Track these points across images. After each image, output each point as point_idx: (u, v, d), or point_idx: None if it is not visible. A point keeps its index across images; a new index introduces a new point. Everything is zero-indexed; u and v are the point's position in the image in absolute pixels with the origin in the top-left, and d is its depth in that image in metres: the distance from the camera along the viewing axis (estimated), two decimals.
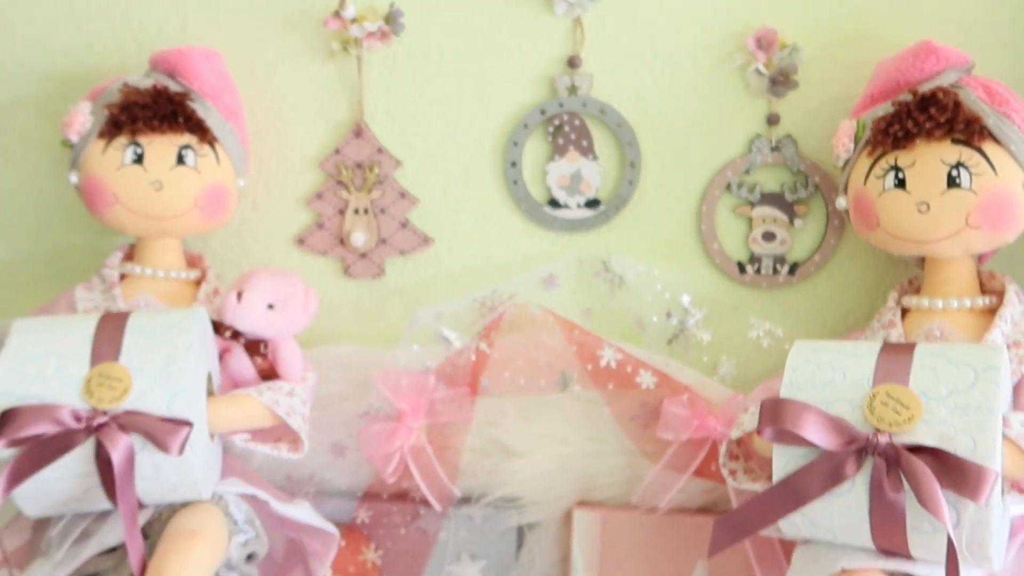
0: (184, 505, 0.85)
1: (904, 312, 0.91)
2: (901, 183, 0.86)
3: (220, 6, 1.03)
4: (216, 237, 1.07)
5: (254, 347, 0.93)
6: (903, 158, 0.86)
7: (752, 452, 0.90)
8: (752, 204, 1.03)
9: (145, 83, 0.95)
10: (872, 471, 0.74)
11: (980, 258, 0.92)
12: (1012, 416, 0.77)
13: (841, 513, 0.75)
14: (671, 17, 1.00)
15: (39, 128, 1.08)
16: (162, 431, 0.80)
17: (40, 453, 0.80)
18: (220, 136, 0.96)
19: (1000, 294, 0.88)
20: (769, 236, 1.02)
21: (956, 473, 0.71)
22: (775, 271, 1.02)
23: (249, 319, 0.91)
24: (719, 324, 1.04)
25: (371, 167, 1.04)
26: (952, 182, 0.85)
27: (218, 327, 0.92)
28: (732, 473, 0.90)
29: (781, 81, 1.00)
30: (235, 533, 0.87)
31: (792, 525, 0.78)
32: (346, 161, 1.05)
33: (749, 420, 0.86)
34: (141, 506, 0.84)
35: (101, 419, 0.80)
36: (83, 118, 0.95)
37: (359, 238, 1.04)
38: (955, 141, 0.85)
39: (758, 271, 1.03)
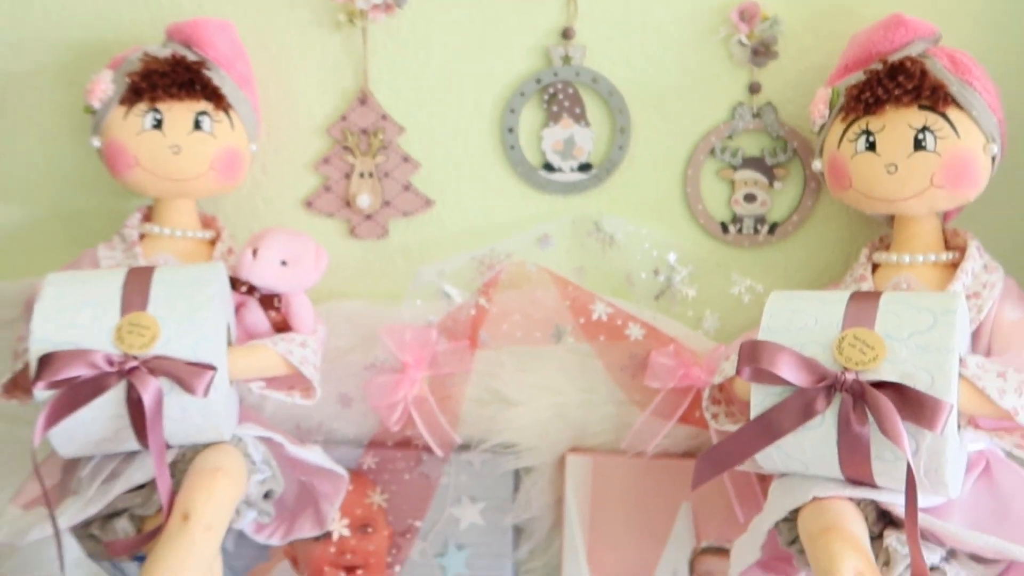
0: (206, 446, 0.91)
1: (875, 267, 0.97)
2: (872, 146, 0.92)
3: None
4: (228, 199, 1.10)
5: (268, 301, 0.99)
6: (874, 123, 0.92)
7: (732, 397, 0.97)
8: (734, 168, 1.07)
9: (163, 53, 0.99)
10: (840, 406, 0.80)
11: (945, 217, 0.97)
12: (969, 358, 0.84)
13: (812, 445, 0.82)
14: None
15: (58, 96, 1.11)
16: (188, 374, 0.86)
17: (76, 395, 0.85)
18: (234, 103, 1.00)
19: (963, 250, 0.94)
20: (750, 198, 1.07)
21: (915, 406, 0.78)
22: (756, 231, 1.07)
23: (264, 275, 0.96)
24: (703, 280, 1.07)
25: (375, 133, 1.08)
26: (918, 145, 0.90)
27: (234, 283, 0.97)
28: (715, 416, 0.97)
29: (762, 52, 1.04)
30: (253, 472, 0.93)
31: (768, 458, 0.85)
32: (352, 127, 1.08)
33: (730, 367, 0.93)
34: (167, 447, 0.89)
35: (132, 363, 0.85)
36: (105, 86, 0.99)
37: (364, 200, 1.08)
38: (921, 107, 0.90)
39: (740, 231, 1.08)
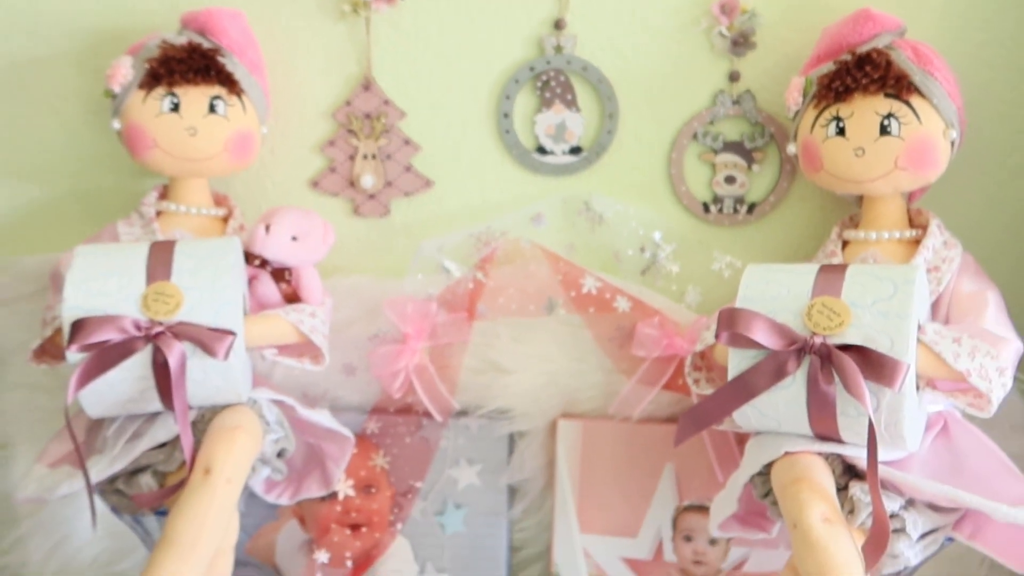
0: (224, 407, 0.97)
1: (844, 243, 1.03)
2: (841, 131, 0.98)
3: None
4: (238, 180, 1.15)
5: (279, 274, 1.04)
6: (843, 110, 0.98)
7: (712, 363, 1.03)
8: (715, 151, 1.13)
9: (180, 40, 1.05)
10: (809, 367, 0.87)
11: (910, 197, 1.04)
12: (927, 325, 0.91)
13: (784, 404, 0.89)
14: None
15: (75, 81, 1.15)
16: (210, 338, 0.92)
17: (105, 358, 0.91)
18: (246, 88, 1.06)
19: (925, 228, 1.01)
20: (730, 180, 1.13)
21: (876, 366, 0.84)
22: (735, 210, 1.13)
23: (276, 249, 1.02)
24: (686, 257, 1.12)
25: (378, 117, 1.13)
26: (884, 130, 0.97)
27: (248, 256, 1.03)
28: (696, 382, 1.03)
29: (741, 43, 1.10)
30: (268, 432, 1.00)
31: (744, 416, 0.92)
32: (356, 112, 1.13)
33: (710, 335, 0.99)
34: (188, 408, 0.96)
35: (158, 328, 0.92)
36: (125, 71, 1.04)
37: (368, 181, 1.14)
38: (887, 95, 0.96)
39: (720, 210, 1.13)
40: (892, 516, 0.89)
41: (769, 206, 1.13)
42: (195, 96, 1.04)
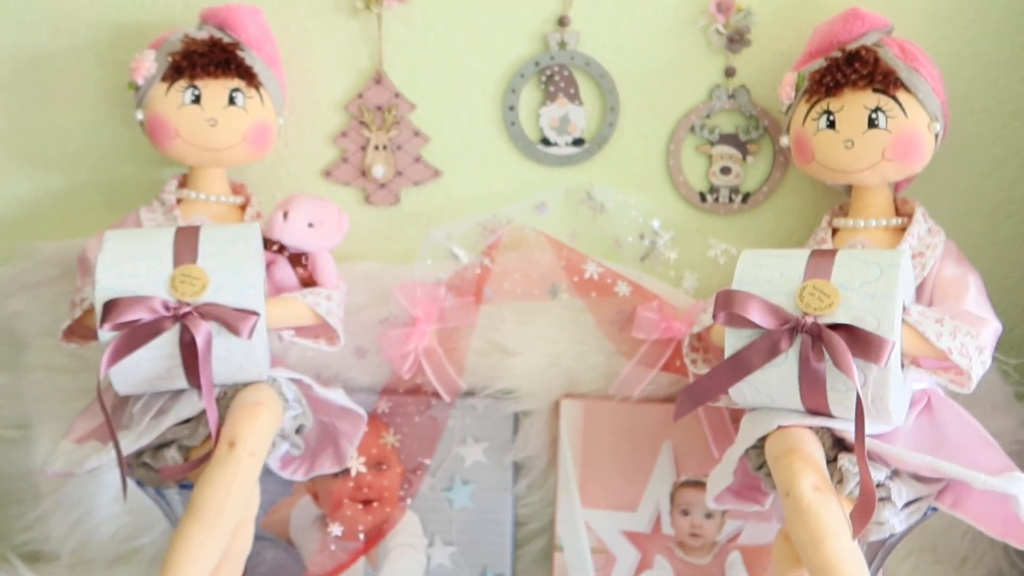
0: (246, 385, 1.02)
1: (834, 231, 1.08)
2: (832, 124, 1.03)
3: None
4: (254, 170, 1.19)
5: (296, 259, 1.08)
6: (833, 104, 1.02)
7: (709, 345, 1.07)
8: (712, 143, 1.17)
9: (201, 35, 1.09)
10: (801, 345, 0.92)
11: (897, 187, 1.09)
12: (912, 307, 0.97)
13: (777, 380, 0.94)
14: None
15: (95, 73, 1.19)
16: (235, 318, 0.96)
17: (135, 336, 0.96)
18: (264, 81, 1.10)
19: (910, 216, 1.05)
20: (726, 170, 1.18)
21: (864, 344, 0.90)
22: (731, 200, 1.18)
23: (293, 235, 1.06)
24: (684, 244, 1.16)
25: (389, 110, 1.18)
26: (872, 123, 1.01)
27: (266, 242, 1.07)
28: (693, 362, 1.07)
29: (737, 40, 1.14)
30: (287, 408, 1.04)
31: (740, 392, 0.97)
32: (367, 104, 1.17)
33: (707, 318, 1.03)
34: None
35: (185, 309, 0.96)
36: (148, 64, 1.08)
37: (379, 171, 1.18)
38: (875, 90, 1.01)
39: (716, 200, 1.18)
40: (878, 485, 0.94)
41: (763, 196, 1.18)
42: (215, 89, 1.08)
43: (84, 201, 1.23)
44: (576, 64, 1.17)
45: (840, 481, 0.94)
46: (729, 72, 1.16)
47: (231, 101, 1.09)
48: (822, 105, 1.04)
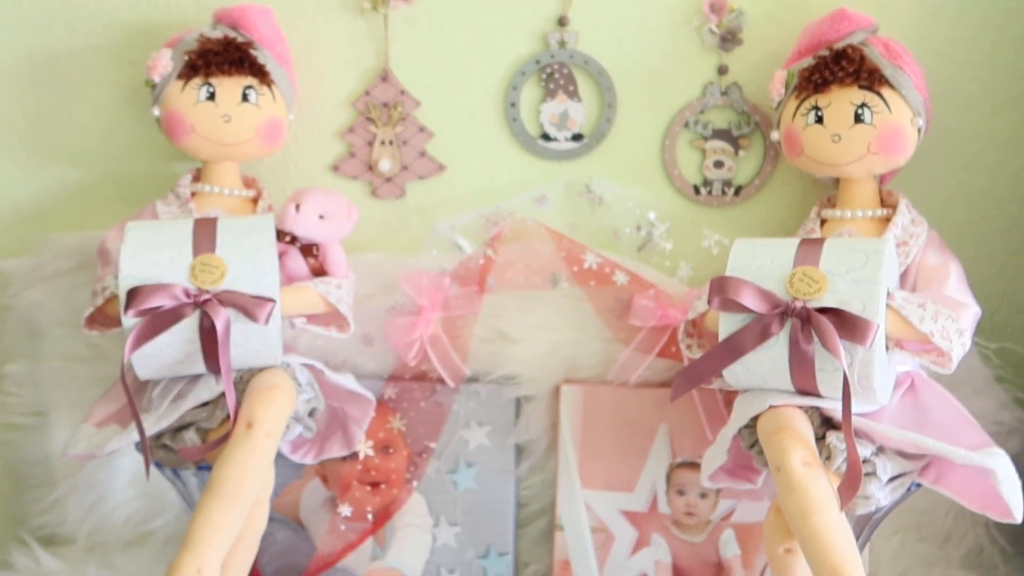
0: (261, 369, 1.07)
1: (823, 222, 1.12)
2: (820, 119, 1.07)
3: None
4: (264, 164, 1.22)
5: (308, 250, 1.12)
6: (821, 100, 1.07)
7: (703, 330, 1.11)
8: (705, 138, 1.20)
9: (215, 34, 1.13)
10: (791, 328, 0.96)
11: (882, 179, 1.14)
12: (896, 292, 1.02)
13: (769, 362, 0.99)
14: None
15: (110, 71, 1.22)
16: (252, 305, 1.01)
17: (157, 322, 1.00)
18: (276, 78, 1.14)
19: (895, 207, 1.10)
20: (719, 164, 1.21)
21: (850, 326, 0.95)
22: (723, 192, 1.22)
23: (305, 227, 1.10)
24: (679, 235, 1.19)
25: (395, 106, 1.21)
26: (858, 119, 1.06)
27: (278, 233, 1.10)
28: (688, 347, 1.11)
29: (729, 39, 1.18)
30: (300, 392, 1.08)
31: (733, 374, 1.02)
32: (374, 101, 1.21)
33: (701, 304, 1.07)
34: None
35: (205, 296, 1.01)
36: (165, 62, 1.12)
37: (385, 165, 1.21)
38: (861, 87, 1.05)
39: (710, 192, 1.22)
40: (864, 461, 0.99)
41: (754, 188, 1.22)
42: (229, 86, 1.12)
43: (99, 195, 1.26)
44: (575, 62, 1.21)
45: (828, 457, 0.99)
46: (722, 70, 1.20)
47: (244, 98, 1.13)
48: (811, 101, 1.09)
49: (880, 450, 1.02)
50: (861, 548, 1.05)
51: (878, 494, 1.00)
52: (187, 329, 1.02)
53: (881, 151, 1.08)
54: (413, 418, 1.22)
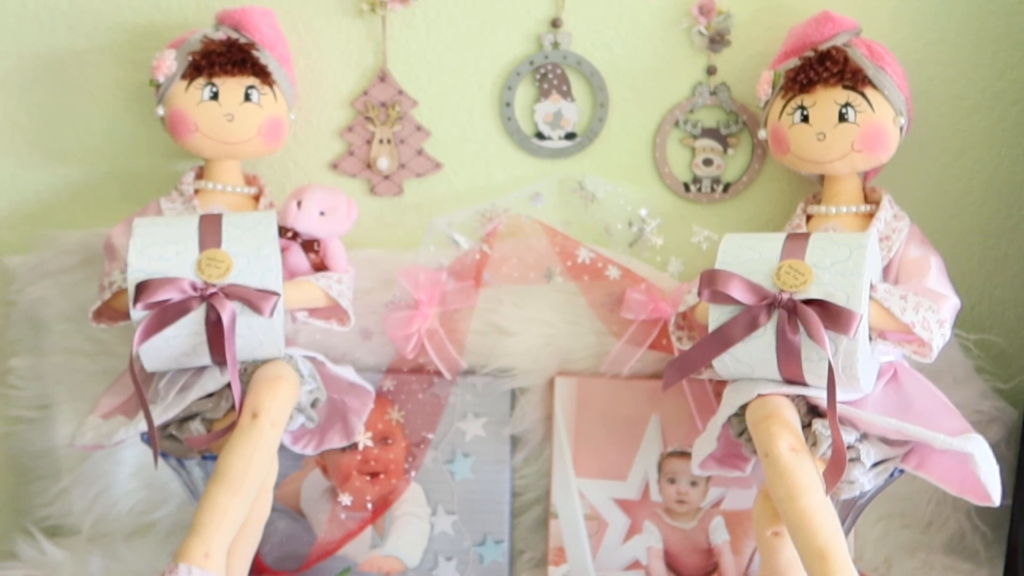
0: (264, 361, 1.10)
1: (808, 217, 1.16)
2: (805, 118, 1.11)
3: None
4: (264, 162, 1.25)
5: (309, 245, 1.15)
6: (807, 99, 1.11)
7: (693, 323, 1.14)
8: (695, 137, 1.23)
9: (218, 35, 1.16)
10: (778, 319, 1.00)
11: (866, 176, 1.17)
12: (879, 284, 1.06)
13: (757, 351, 1.03)
14: None
15: (114, 71, 1.26)
16: (257, 298, 1.04)
17: (165, 315, 1.03)
18: (277, 79, 1.17)
19: (878, 203, 1.14)
20: (708, 162, 1.24)
21: (834, 316, 0.99)
22: (712, 189, 1.25)
23: (306, 223, 1.13)
24: (669, 231, 1.22)
25: (393, 106, 1.24)
26: (842, 117, 1.10)
27: (280, 229, 1.13)
28: (679, 339, 1.14)
29: (718, 40, 1.21)
30: (302, 383, 1.12)
31: (722, 364, 1.05)
32: (372, 101, 1.24)
33: (691, 298, 1.11)
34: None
35: (212, 289, 1.04)
36: (169, 63, 1.15)
37: (383, 163, 1.24)
38: (845, 87, 1.09)
39: (699, 189, 1.25)
40: (849, 447, 1.03)
41: (742, 185, 1.25)
42: (232, 86, 1.16)
43: (102, 193, 1.29)
44: (568, 63, 1.24)
45: (814, 444, 1.03)
46: (711, 71, 1.23)
47: (247, 98, 1.17)
48: (797, 101, 1.12)
49: (864, 437, 1.06)
50: (846, 533, 1.10)
51: (862, 479, 1.04)
52: (193, 322, 1.05)
53: (864, 149, 1.12)
54: (411, 410, 1.25)
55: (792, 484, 0.99)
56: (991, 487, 1.03)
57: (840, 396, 1.03)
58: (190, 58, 1.16)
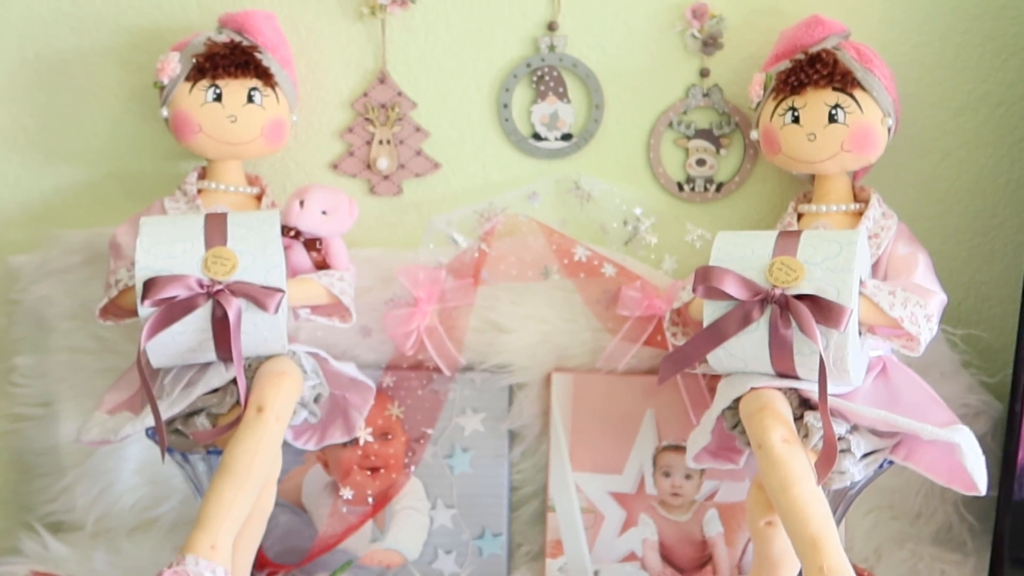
0: (268, 357, 1.12)
1: (799, 216, 1.18)
2: (796, 119, 1.13)
3: None
4: (266, 163, 1.27)
5: (311, 244, 1.17)
6: (798, 101, 1.13)
7: (687, 319, 1.17)
8: (688, 137, 1.26)
9: (221, 38, 1.18)
10: (771, 314, 1.02)
11: (855, 176, 1.20)
12: (868, 281, 1.09)
13: (750, 345, 1.05)
14: None
15: (117, 73, 1.27)
16: (263, 295, 1.06)
17: (172, 312, 1.05)
18: (279, 80, 1.19)
19: (867, 202, 1.16)
20: (701, 162, 1.27)
21: (825, 311, 1.01)
22: (705, 189, 1.27)
23: (308, 222, 1.15)
24: (663, 230, 1.24)
25: (392, 107, 1.26)
26: (832, 118, 1.12)
27: (283, 229, 1.14)
28: (673, 335, 1.17)
29: (710, 43, 1.23)
30: (305, 379, 1.14)
31: (716, 358, 1.08)
32: (372, 102, 1.26)
33: (686, 294, 1.14)
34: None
35: (218, 286, 1.06)
36: (173, 65, 1.17)
37: (383, 163, 1.26)
38: (834, 88, 1.12)
39: (693, 189, 1.27)
40: (839, 438, 1.05)
41: (735, 185, 1.27)
42: (235, 88, 1.18)
43: (106, 193, 1.31)
44: (564, 65, 1.26)
45: (806, 435, 1.06)
46: (704, 73, 1.25)
47: (250, 99, 1.19)
48: (788, 102, 1.15)
49: (854, 428, 1.09)
50: (837, 523, 1.11)
51: (852, 469, 1.07)
52: (200, 318, 1.08)
53: (854, 149, 1.15)
54: (411, 406, 1.26)
55: (785, 474, 1.01)
56: (977, 476, 1.06)
57: (831, 389, 1.06)
58: (194, 60, 1.19)
